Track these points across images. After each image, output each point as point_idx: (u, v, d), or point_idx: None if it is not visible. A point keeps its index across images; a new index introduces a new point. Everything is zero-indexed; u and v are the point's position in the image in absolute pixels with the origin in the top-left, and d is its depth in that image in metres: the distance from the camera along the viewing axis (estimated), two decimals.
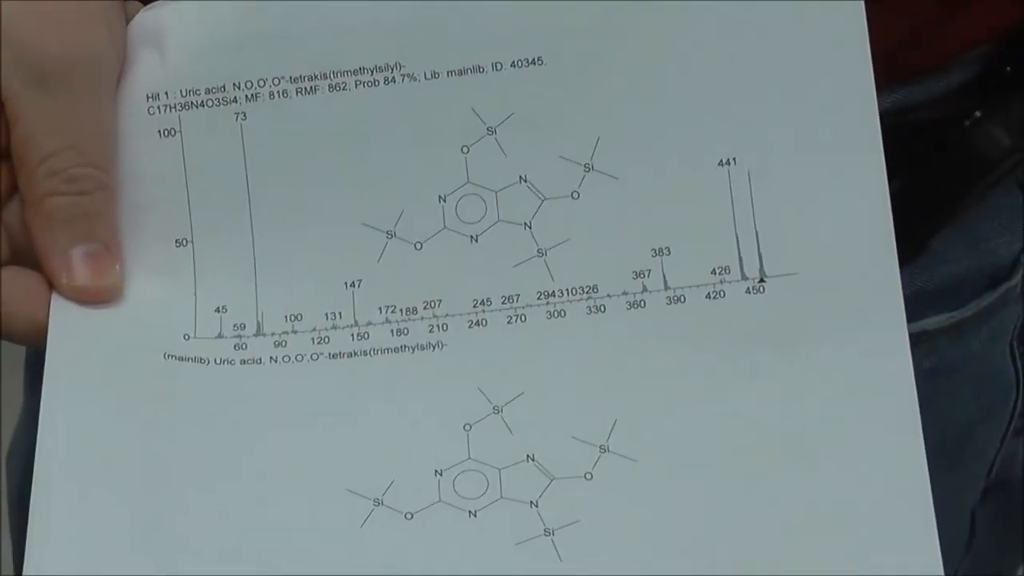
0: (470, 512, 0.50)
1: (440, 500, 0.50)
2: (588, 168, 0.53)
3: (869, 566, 0.48)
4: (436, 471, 0.51)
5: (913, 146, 0.61)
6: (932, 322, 0.64)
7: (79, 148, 0.52)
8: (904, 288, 0.60)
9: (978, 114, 0.60)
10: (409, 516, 0.50)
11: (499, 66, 0.53)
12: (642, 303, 0.52)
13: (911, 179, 0.61)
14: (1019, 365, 0.68)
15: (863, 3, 0.51)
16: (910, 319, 0.60)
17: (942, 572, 0.48)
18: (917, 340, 0.61)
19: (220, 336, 0.53)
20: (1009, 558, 0.75)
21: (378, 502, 0.50)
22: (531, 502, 0.50)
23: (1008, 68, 0.61)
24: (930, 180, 0.61)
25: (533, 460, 0.51)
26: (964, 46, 0.61)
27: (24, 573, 0.48)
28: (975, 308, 0.65)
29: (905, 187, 0.60)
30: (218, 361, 0.53)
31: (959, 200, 0.62)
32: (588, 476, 0.51)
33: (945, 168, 0.61)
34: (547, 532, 0.50)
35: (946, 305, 0.65)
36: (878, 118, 0.51)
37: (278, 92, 0.53)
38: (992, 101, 0.61)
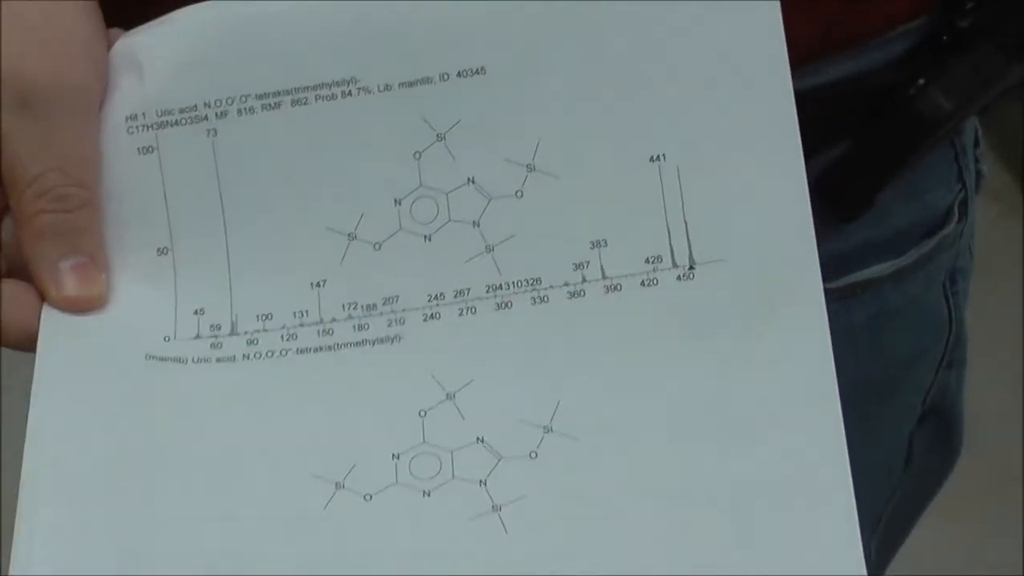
0: (424, 492, 0.54)
1: (397, 482, 0.54)
2: (530, 168, 0.56)
3: (792, 536, 0.52)
4: (393, 455, 0.55)
5: (862, 111, 0.65)
6: (877, 270, 0.69)
7: (64, 169, 0.56)
8: (854, 240, 0.66)
9: (922, 81, 0.64)
10: (368, 497, 0.54)
11: (446, 76, 0.56)
12: (582, 293, 0.56)
13: (860, 141, 0.65)
14: (951, 304, 0.73)
15: (779, 2, 0.54)
16: (858, 268, 0.66)
17: (860, 548, 0.51)
18: (865, 287, 0.67)
19: (198, 337, 0.57)
20: (940, 475, 0.81)
21: (340, 485, 0.54)
22: (480, 481, 0.54)
23: (945, 37, 0.64)
24: (878, 142, 0.65)
25: (483, 442, 0.55)
26: (904, 17, 0.64)
27: (11, 573, 0.52)
28: (915, 255, 0.70)
29: (854, 149, 0.65)
30: (196, 360, 0.57)
31: (904, 160, 0.66)
32: (533, 455, 0.54)
33: (891, 131, 0.65)
34: (495, 508, 0.54)
35: (889, 254, 0.69)
36: (795, 111, 0.55)
37: (245, 109, 0.57)
38: (934, 69, 0.64)
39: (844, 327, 0.66)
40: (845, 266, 0.68)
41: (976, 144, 0.74)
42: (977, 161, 0.73)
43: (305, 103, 0.57)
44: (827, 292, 0.65)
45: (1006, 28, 0.65)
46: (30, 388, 0.56)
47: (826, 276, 0.65)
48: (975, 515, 1.75)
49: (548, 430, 0.54)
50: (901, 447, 0.76)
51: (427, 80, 0.56)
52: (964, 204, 0.72)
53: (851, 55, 0.64)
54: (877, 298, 0.69)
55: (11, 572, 0.52)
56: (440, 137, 0.56)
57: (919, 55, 0.65)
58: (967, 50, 0.64)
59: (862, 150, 0.65)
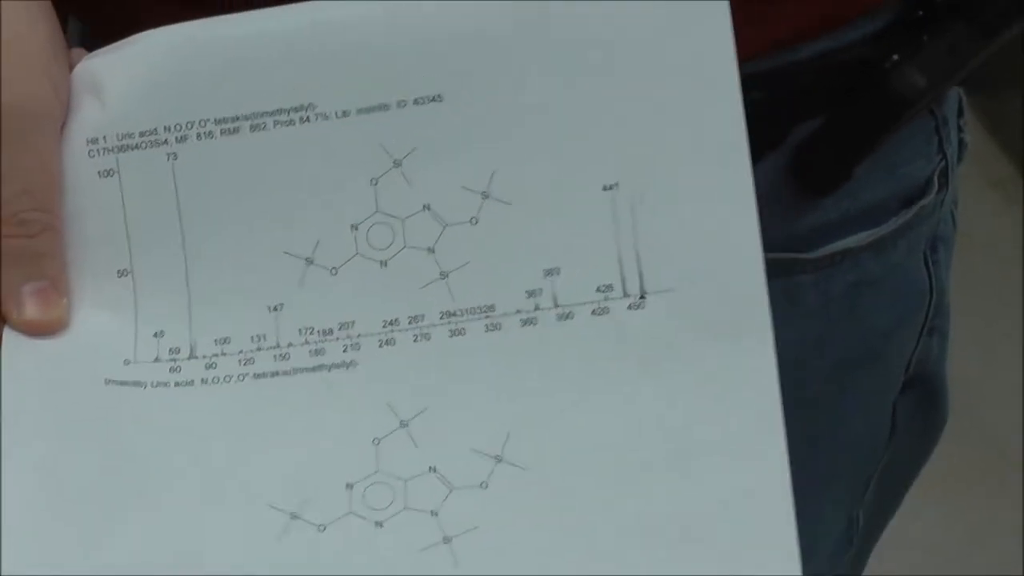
0: (377, 523, 0.55)
1: (351, 512, 0.55)
2: (485, 196, 0.57)
3: (734, 560, 0.52)
4: (347, 484, 0.55)
5: (838, 86, 0.65)
6: (855, 239, 0.69)
7: (28, 193, 0.57)
8: (831, 212, 0.66)
9: (896, 57, 0.65)
10: (322, 528, 0.55)
11: (403, 103, 0.57)
12: (534, 320, 0.56)
13: (836, 116, 0.66)
14: (931, 271, 0.73)
15: (731, 32, 0.55)
16: (837, 238, 0.67)
17: (799, 569, 0.51)
18: (842, 257, 0.68)
19: (157, 360, 0.58)
20: (927, 443, 0.82)
21: (294, 516, 0.55)
22: (432, 511, 0.55)
23: (920, 12, 0.65)
24: (854, 117, 0.66)
25: (435, 472, 0.55)
26: None
27: None
28: (894, 225, 0.70)
29: (831, 123, 0.66)
30: (154, 384, 0.57)
31: (879, 136, 0.67)
32: (484, 485, 0.55)
33: (867, 106, 0.66)
34: (446, 540, 0.54)
35: (868, 224, 0.69)
36: (747, 141, 0.55)
37: (204, 133, 0.57)
38: (909, 46, 0.65)
39: (824, 297, 0.68)
40: (823, 237, 0.68)
41: (960, 114, 0.74)
42: (960, 131, 0.74)
43: (264, 128, 0.57)
44: (805, 263, 0.66)
45: (981, 5, 0.65)
46: None
47: (804, 247, 0.66)
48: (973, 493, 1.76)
49: (499, 460, 0.55)
50: (884, 418, 0.77)
51: (384, 107, 0.57)
52: (944, 174, 0.72)
53: (830, 30, 0.64)
54: (856, 267, 0.69)
55: None
56: (397, 163, 0.57)
57: (894, 32, 0.65)
58: (942, 27, 0.65)
59: (837, 125, 0.66)
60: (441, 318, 0.57)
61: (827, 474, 0.74)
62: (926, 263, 0.73)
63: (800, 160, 0.65)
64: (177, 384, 0.57)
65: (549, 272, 0.56)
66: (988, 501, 1.80)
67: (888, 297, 0.72)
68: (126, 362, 0.58)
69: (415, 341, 0.57)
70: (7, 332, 0.58)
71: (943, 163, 0.72)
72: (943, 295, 0.75)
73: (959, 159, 0.74)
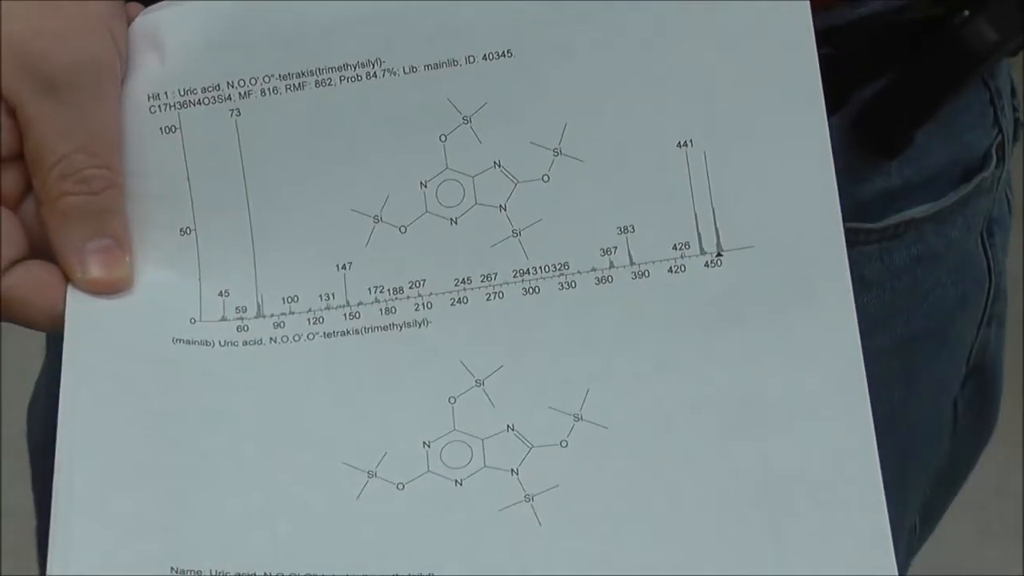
0: (456, 481, 0.55)
1: (429, 470, 0.55)
2: (557, 152, 0.56)
3: (820, 528, 0.52)
4: (424, 443, 0.55)
5: (903, 44, 0.65)
6: (919, 211, 0.69)
7: (88, 150, 0.56)
8: (894, 179, 0.66)
9: (966, 12, 0.64)
10: (401, 487, 0.55)
11: (472, 59, 0.56)
12: (610, 278, 0.56)
13: (901, 75, 0.65)
14: (989, 255, 0.73)
15: None
16: (899, 209, 0.66)
17: (888, 530, 0.52)
18: (907, 228, 0.68)
19: (223, 319, 0.57)
20: (978, 443, 0.81)
21: (372, 474, 0.55)
22: (512, 470, 0.55)
23: None
24: (921, 75, 0.65)
25: (513, 430, 0.55)
26: None
27: (48, 573, 0.52)
28: (954, 198, 0.70)
29: (895, 83, 0.65)
30: (222, 343, 0.57)
31: (945, 94, 0.66)
32: (564, 444, 0.55)
33: (936, 63, 0.65)
34: (527, 498, 0.54)
35: (929, 195, 0.69)
36: (822, 97, 0.55)
37: (269, 89, 0.57)
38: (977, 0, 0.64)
39: (887, 269, 0.68)
40: (887, 206, 0.68)
41: (1012, 92, 0.74)
42: (1016, 109, 0.74)
43: (329, 84, 0.56)
44: (869, 233, 0.66)
45: None
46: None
47: (868, 217, 0.66)
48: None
49: (578, 418, 0.55)
50: (947, 411, 0.76)
51: (453, 62, 0.56)
52: (1001, 149, 0.72)
53: None
54: (919, 240, 0.69)
55: (49, 572, 0.52)
56: (466, 120, 0.56)
57: None
58: None
59: (903, 84, 0.65)
60: (514, 276, 0.56)
61: (894, 468, 0.74)
62: (983, 245, 0.73)
63: (863, 122, 0.65)
64: (246, 343, 0.57)
65: (623, 229, 0.56)
66: (988, 500, 1.80)
67: (950, 275, 0.72)
68: (192, 321, 0.57)
69: (488, 300, 0.56)
70: (71, 291, 0.57)
71: (999, 137, 0.71)
72: (1001, 279, 0.75)
73: (1014, 138, 0.73)
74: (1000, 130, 0.71)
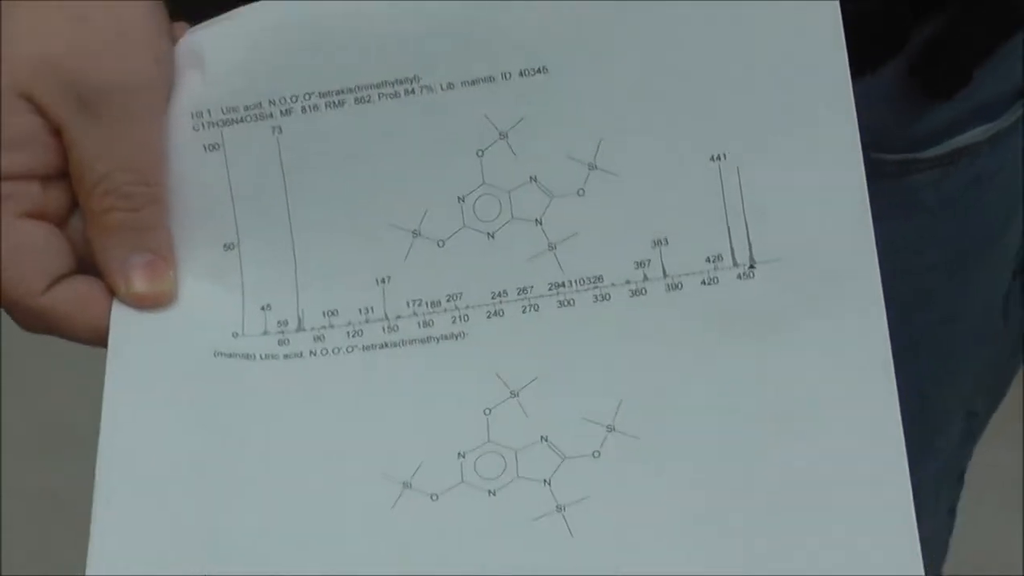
0: (490, 491, 0.55)
1: (463, 481, 0.55)
2: (592, 167, 0.57)
3: (850, 534, 0.52)
4: (459, 454, 0.56)
5: None
6: (973, 135, 0.69)
7: (131, 168, 0.57)
8: (950, 111, 0.66)
9: None
10: (435, 497, 0.55)
11: (508, 76, 0.57)
12: (643, 291, 0.56)
13: (960, 16, 0.65)
14: None
15: (838, 4, 0.55)
16: (956, 134, 0.67)
17: (916, 535, 0.52)
18: (964, 152, 0.68)
19: (265, 333, 0.58)
20: None
21: (407, 484, 0.55)
22: (544, 480, 0.55)
23: None
24: (978, 16, 0.65)
25: (547, 441, 0.55)
26: None
27: (87, 573, 0.53)
28: (1010, 118, 0.70)
29: (954, 24, 0.65)
30: (263, 356, 0.58)
31: (1003, 35, 0.66)
32: (596, 455, 0.55)
33: (988, 12, 0.65)
34: (559, 509, 0.54)
35: (985, 119, 0.69)
36: (855, 111, 0.55)
37: (309, 107, 0.58)
38: None
39: (942, 196, 0.68)
40: (942, 136, 0.68)
41: None
42: None
43: (368, 101, 0.57)
44: (925, 160, 0.66)
45: None
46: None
47: (924, 145, 0.66)
48: None
49: (611, 429, 0.55)
50: (997, 305, 0.77)
51: (490, 79, 0.57)
52: None
53: None
54: (974, 164, 0.69)
55: (88, 572, 0.53)
56: (503, 135, 0.57)
57: None
58: None
59: (961, 25, 0.65)
60: (549, 289, 0.57)
61: (947, 367, 0.73)
62: None
63: (922, 63, 0.64)
64: (287, 356, 0.58)
65: (657, 242, 0.56)
66: (989, 500, 1.79)
67: (1001, 190, 0.72)
68: (234, 335, 0.58)
69: (523, 312, 0.57)
70: (116, 305, 0.58)
71: None
72: None
73: None
74: None
